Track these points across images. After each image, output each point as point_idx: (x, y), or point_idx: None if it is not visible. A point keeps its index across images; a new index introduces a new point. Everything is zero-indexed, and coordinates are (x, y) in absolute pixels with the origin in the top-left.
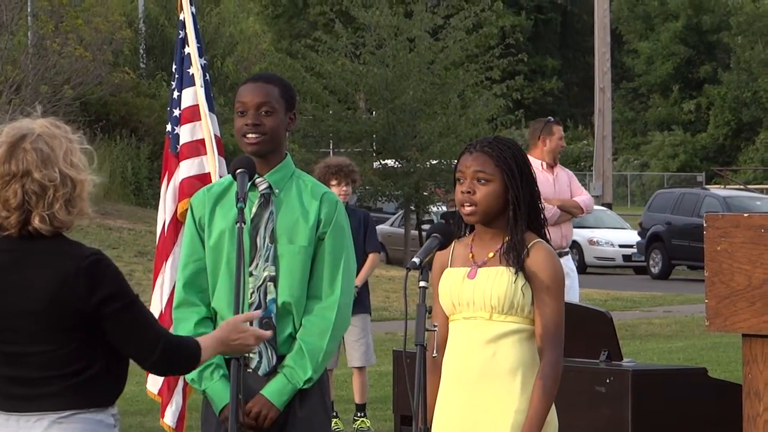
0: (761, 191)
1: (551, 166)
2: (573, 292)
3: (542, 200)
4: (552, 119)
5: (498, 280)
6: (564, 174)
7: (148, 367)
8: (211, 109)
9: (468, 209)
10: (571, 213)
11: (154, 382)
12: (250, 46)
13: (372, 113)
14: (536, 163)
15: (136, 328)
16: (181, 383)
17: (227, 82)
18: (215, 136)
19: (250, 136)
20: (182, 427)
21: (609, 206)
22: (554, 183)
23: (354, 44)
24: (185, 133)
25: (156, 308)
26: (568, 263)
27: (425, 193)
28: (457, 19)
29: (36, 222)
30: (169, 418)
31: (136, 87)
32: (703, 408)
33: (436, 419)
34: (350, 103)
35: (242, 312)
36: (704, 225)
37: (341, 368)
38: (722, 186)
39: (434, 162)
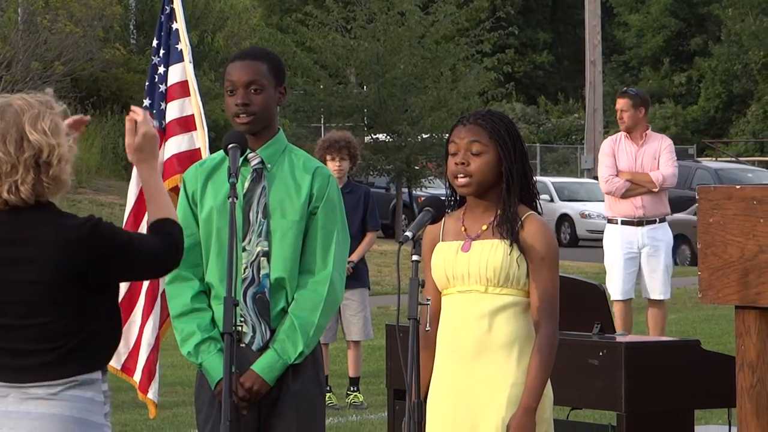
0: (752, 163)
1: (634, 137)
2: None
3: (618, 173)
4: (623, 90)
5: (493, 253)
6: (654, 145)
7: (171, 268)
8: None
9: (462, 180)
10: (643, 186)
11: (116, 359)
12: (240, 21)
13: (363, 87)
14: (618, 135)
15: (139, 260)
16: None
17: (217, 58)
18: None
19: (241, 116)
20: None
21: None
22: (635, 155)
23: (345, 18)
24: (173, 110)
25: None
26: (667, 232)
27: (416, 167)
28: None
29: (3, 193)
30: (152, 394)
31: (127, 63)
32: (696, 380)
33: (431, 393)
34: (341, 78)
35: (236, 287)
36: (697, 197)
37: (335, 342)
38: (713, 158)
39: (425, 136)
